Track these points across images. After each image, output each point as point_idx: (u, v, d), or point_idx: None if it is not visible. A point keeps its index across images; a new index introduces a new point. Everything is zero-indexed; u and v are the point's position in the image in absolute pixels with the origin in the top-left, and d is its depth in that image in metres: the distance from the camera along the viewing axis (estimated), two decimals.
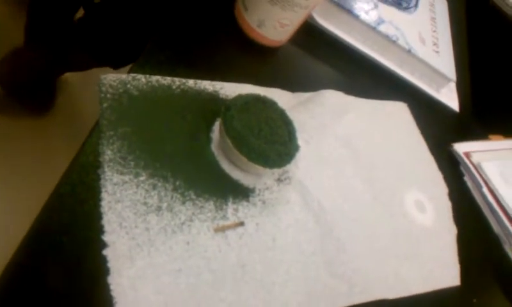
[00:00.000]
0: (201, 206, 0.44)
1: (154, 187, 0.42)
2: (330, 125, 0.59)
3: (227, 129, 0.46)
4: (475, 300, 0.57)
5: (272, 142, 0.47)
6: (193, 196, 0.44)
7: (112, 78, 0.47)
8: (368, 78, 0.73)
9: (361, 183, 0.57)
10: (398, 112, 0.72)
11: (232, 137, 0.46)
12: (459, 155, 0.72)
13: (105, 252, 0.36)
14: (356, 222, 0.53)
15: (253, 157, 0.45)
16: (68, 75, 1.34)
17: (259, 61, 0.62)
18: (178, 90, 0.50)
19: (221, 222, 0.44)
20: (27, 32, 1.19)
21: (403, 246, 0.55)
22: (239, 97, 0.49)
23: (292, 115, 0.51)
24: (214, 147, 0.48)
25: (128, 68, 0.50)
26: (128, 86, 0.47)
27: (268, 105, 0.50)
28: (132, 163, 0.42)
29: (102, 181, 0.39)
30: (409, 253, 0.55)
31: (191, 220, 0.42)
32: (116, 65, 1.05)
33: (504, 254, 0.65)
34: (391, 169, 0.61)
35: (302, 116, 0.57)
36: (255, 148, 0.45)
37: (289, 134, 0.49)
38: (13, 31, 1.23)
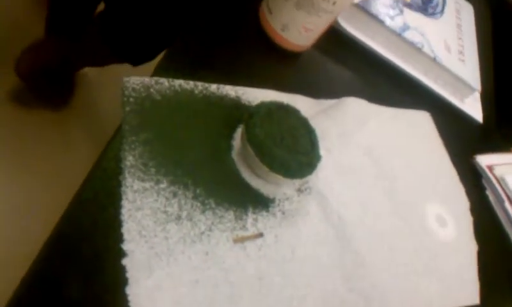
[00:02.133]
0: (221, 216, 0.43)
1: (175, 194, 0.42)
2: (352, 133, 0.58)
3: (249, 137, 0.45)
4: None
5: (295, 151, 0.46)
6: (213, 205, 0.43)
7: (135, 81, 0.46)
8: (391, 86, 0.71)
9: (382, 194, 0.56)
10: (421, 122, 0.71)
11: (254, 145, 0.45)
12: (482, 168, 0.71)
13: (124, 261, 0.36)
14: (376, 235, 0.52)
15: (274, 167, 0.45)
16: (88, 70, 1.34)
17: (282, 66, 0.61)
18: (201, 95, 0.49)
19: (241, 233, 0.43)
20: (47, 25, 1.19)
21: (422, 261, 0.54)
22: (262, 105, 0.48)
23: (314, 123, 0.50)
24: (234, 155, 0.48)
25: (148, 68, 0.50)
26: (151, 90, 0.46)
27: (291, 113, 0.49)
28: (153, 170, 0.42)
29: (123, 188, 0.39)
30: (429, 269, 0.54)
31: (211, 230, 0.42)
32: (135, 62, 1.05)
33: None
34: (412, 181, 0.60)
35: (324, 124, 0.56)
36: (277, 158, 0.45)
37: (311, 144, 0.48)
38: (34, 23, 1.24)
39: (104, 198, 0.38)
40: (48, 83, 1.23)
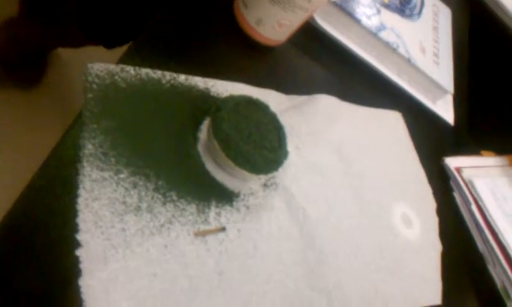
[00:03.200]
0: (183, 209, 0.42)
1: (135, 185, 0.41)
2: (322, 131, 0.58)
3: (215, 131, 0.44)
4: None
5: (261, 147, 0.46)
6: (175, 198, 0.42)
7: (99, 67, 0.45)
8: (364, 85, 0.72)
9: (349, 193, 0.56)
10: (392, 121, 0.71)
11: (220, 139, 0.44)
12: (450, 170, 0.72)
13: (78, 252, 0.35)
14: (340, 233, 0.52)
15: (240, 162, 0.44)
16: (61, 50, 1.31)
17: (255, 60, 0.60)
18: (168, 85, 0.48)
19: (202, 227, 0.43)
20: (22, 4, 1.16)
21: (386, 260, 0.54)
22: (231, 98, 0.47)
23: (284, 119, 0.50)
24: (200, 147, 0.47)
25: (118, 55, 0.48)
26: (116, 77, 0.45)
27: (260, 108, 0.49)
28: (114, 159, 0.41)
29: (80, 177, 0.38)
30: (392, 268, 0.54)
31: (171, 222, 0.41)
32: (109, 45, 1.03)
33: (488, 275, 0.65)
34: (380, 180, 0.60)
35: (294, 120, 0.55)
36: (242, 153, 0.44)
37: (279, 140, 0.48)
38: (8, 1, 1.20)
39: (59, 186, 0.37)
40: (20, 61, 1.20)
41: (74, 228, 0.36)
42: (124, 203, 0.39)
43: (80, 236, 0.35)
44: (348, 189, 0.56)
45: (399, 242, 0.57)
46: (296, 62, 0.66)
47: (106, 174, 0.40)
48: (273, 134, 0.48)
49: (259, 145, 0.45)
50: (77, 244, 0.35)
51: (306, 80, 0.64)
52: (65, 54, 1.34)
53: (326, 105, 0.60)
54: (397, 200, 0.60)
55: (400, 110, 0.73)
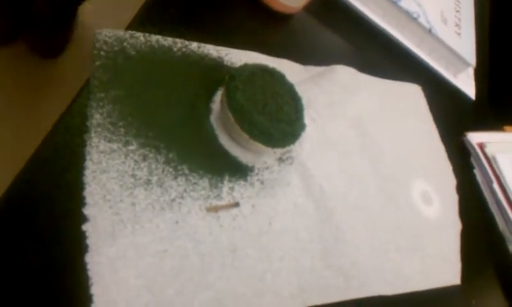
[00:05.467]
0: (195, 183, 0.40)
1: (145, 158, 0.39)
2: (340, 103, 0.55)
3: (229, 101, 0.42)
4: (474, 302, 0.54)
5: (277, 119, 0.43)
6: (187, 171, 0.40)
7: (108, 33, 0.43)
8: (383, 56, 0.68)
9: (367, 168, 0.53)
10: (411, 95, 0.68)
11: (234, 110, 0.42)
12: (472, 146, 0.69)
13: (84, 227, 0.33)
14: (358, 210, 0.50)
15: (255, 134, 0.42)
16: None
17: (271, 28, 0.57)
18: (179, 53, 0.46)
19: (215, 202, 0.41)
20: None
21: (405, 239, 0.52)
22: (245, 67, 0.45)
23: (300, 90, 0.47)
24: (213, 119, 0.45)
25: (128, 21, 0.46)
26: (125, 44, 0.43)
27: (276, 78, 0.46)
28: (123, 130, 0.39)
29: (87, 148, 0.36)
30: (411, 247, 0.52)
31: (182, 197, 0.39)
32: None
33: (507, 254, 0.63)
34: (399, 156, 0.57)
35: (311, 92, 0.53)
36: (258, 125, 0.42)
37: (296, 112, 0.45)
38: None
39: (66, 158, 0.35)
40: (52, 17, 1.20)
41: (81, 202, 0.34)
42: (133, 176, 0.37)
43: (87, 211, 0.34)
44: (366, 165, 0.53)
45: (419, 220, 0.54)
46: (314, 31, 0.62)
47: (115, 146, 0.38)
48: (290, 106, 0.45)
49: (275, 117, 0.43)
50: (83, 219, 0.33)
51: (324, 51, 0.61)
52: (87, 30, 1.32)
53: (345, 76, 0.58)
54: (416, 177, 0.58)
55: (420, 84, 0.69)
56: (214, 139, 0.44)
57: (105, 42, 0.42)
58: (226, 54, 0.49)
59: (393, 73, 0.66)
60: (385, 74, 0.64)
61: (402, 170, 0.57)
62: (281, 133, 0.43)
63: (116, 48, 0.42)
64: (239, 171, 0.44)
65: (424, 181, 0.58)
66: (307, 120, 0.48)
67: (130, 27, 0.44)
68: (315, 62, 0.57)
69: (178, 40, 0.46)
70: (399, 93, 0.65)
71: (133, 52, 0.43)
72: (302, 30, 0.61)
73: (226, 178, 0.42)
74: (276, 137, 0.43)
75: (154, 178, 0.38)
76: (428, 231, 0.55)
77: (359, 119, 0.56)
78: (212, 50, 0.49)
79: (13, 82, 1.20)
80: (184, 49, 0.46)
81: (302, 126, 0.45)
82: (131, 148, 0.38)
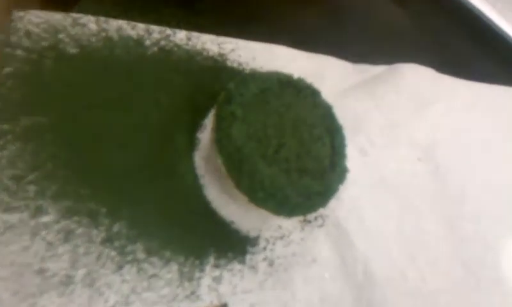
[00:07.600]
0: (153, 275, 0.25)
1: (68, 235, 0.23)
2: (406, 123, 0.37)
3: (220, 139, 0.25)
4: None
5: (299, 170, 0.26)
6: (141, 255, 0.25)
7: (35, 18, 0.27)
8: (476, 49, 0.48)
9: (440, 228, 0.35)
10: None
11: (227, 155, 0.25)
12: None
13: None
14: (424, 299, 0.32)
15: (259, 197, 0.25)
16: None
17: (301, 6, 0.39)
18: (155, 49, 0.30)
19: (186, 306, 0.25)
20: None
21: None
22: (252, 77, 0.28)
23: (347, 103, 0.32)
24: (198, 158, 0.28)
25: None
26: (62, 36, 0.27)
27: (303, 95, 0.29)
28: (33, 188, 0.23)
29: None
30: None
31: (127, 304, 0.23)
32: None
33: None
34: (493, 206, 0.39)
35: (363, 106, 0.35)
36: (264, 181, 0.25)
37: (333, 154, 0.28)
38: None
39: None
40: None
41: None
42: (41, 271, 0.22)
43: None
44: (439, 222, 0.35)
45: None
46: (369, 10, 0.43)
47: (15, 218, 0.22)
48: (323, 143, 0.28)
49: (295, 166, 0.26)
50: None
51: (385, 40, 0.42)
52: None
53: (415, 80, 0.39)
54: None
55: None
56: (195, 191, 0.28)
57: (28, 33, 0.26)
58: (232, 49, 0.32)
59: (490, 74, 0.46)
60: (479, 75, 0.44)
61: (495, 228, 0.38)
62: (303, 194, 0.26)
63: (44, 44, 0.26)
64: (233, 245, 0.28)
65: None
66: (353, 151, 0.31)
67: (77, 8, 0.28)
68: (371, 58, 0.39)
69: (155, 27, 0.30)
70: (499, 103, 0.45)
71: (75, 50, 0.27)
72: (351, 8, 0.42)
73: (210, 260, 0.27)
74: (293, 202, 0.26)
75: (80, 273, 0.23)
76: None
77: (433, 146, 0.38)
78: (211, 43, 0.32)
79: None
80: (162, 43, 0.30)
81: (340, 178, 0.28)
82: (45, 219, 0.23)
